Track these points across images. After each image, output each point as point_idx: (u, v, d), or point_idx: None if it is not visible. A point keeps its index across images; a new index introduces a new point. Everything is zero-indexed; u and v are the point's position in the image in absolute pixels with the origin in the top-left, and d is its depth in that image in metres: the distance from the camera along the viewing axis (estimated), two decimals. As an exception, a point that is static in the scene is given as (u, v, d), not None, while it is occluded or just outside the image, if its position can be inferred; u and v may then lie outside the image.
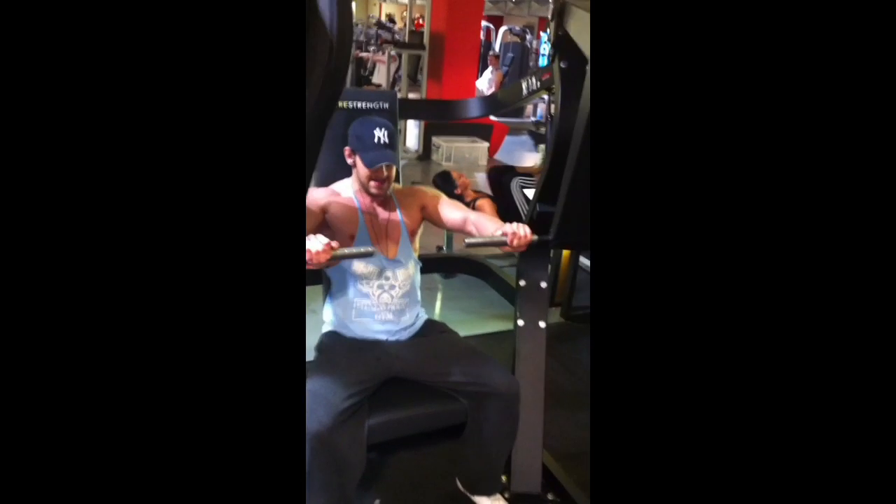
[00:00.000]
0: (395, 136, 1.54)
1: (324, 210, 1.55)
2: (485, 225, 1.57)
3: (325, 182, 1.70)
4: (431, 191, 1.74)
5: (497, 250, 1.61)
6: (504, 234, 1.44)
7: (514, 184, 3.10)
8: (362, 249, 1.40)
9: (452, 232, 3.17)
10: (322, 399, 1.33)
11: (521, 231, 1.44)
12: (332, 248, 1.28)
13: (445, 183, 3.14)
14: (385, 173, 1.54)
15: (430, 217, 1.69)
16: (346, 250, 1.36)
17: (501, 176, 3.22)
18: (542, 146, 3.75)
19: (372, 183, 1.54)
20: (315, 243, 1.27)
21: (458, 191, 3.10)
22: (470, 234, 1.61)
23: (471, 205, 3.12)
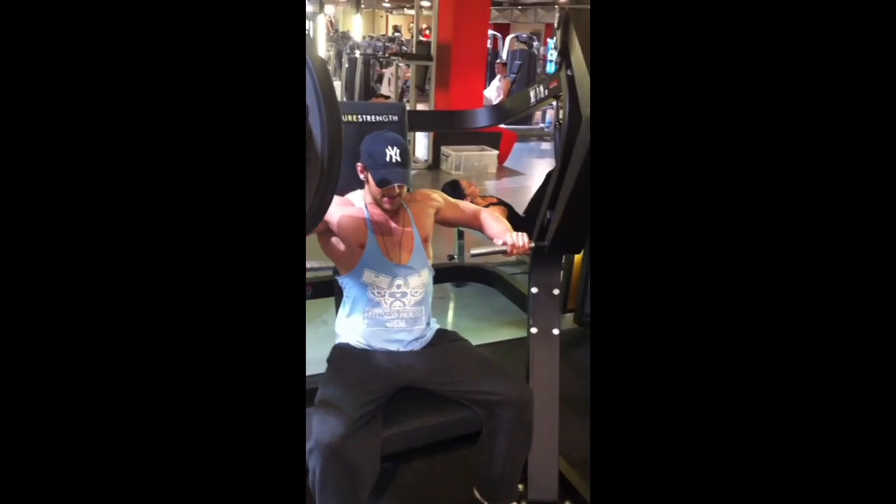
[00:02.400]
0: (408, 153, 1.57)
1: (324, 221, 1.56)
2: (492, 225, 1.70)
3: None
4: (440, 194, 1.77)
5: (508, 258, 1.66)
6: (504, 244, 1.58)
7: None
8: (324, 264, 1.52)
9: (463, 238, 3.18)
10: (334, 410, 1.34)
11: (519, 241, 1.57)
12: None
13: (454, 192, 3.15)
14: (397, 191, 1.55)
15: (443, 217, 1.72)
16: (313, 263, 1.44)
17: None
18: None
19: (385, 199, 1.56)
20: None
21: (467, 199, 3.12)
22: (480, 231, 1.75)
23: (481, 213, 3.12)
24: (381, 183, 1.52)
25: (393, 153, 1.52)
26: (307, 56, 0.81)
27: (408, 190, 1.66)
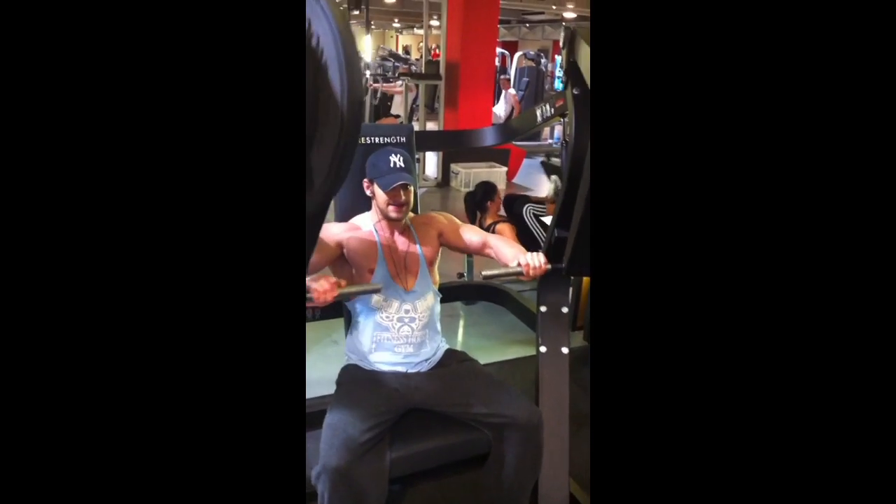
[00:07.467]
0: (411, 162, 1.58)
1: (339, 244, 1.56)
2: (504, 250, 1.64)
3: (344, 217, 1.72)
4: (447, 216, 1.75)
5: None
6: (519, 265, 1.53)
7: (526, 211, 3.21)
8: (369, 286, 1.47)
9: (472, 255, 3.18)
10: (341, 433, 1.33)
11: (535, 262, 1.52)
12: (338, 286, 1.32)
13: (486, 194, 3.35)
14: (403, 197, 1.55)
15: (448, 242, 1.70)
16: (353, 288, 1.41)
17: (512, 204, 3.35)
18: (554, 176, 3.85)
19: (391, 207, 1.55)
20: (321, 283, 1.33)
21: (497, 201, 3.32)
22: (489, 258, 1.70)
23: (490, 229, 3.13)
24: (385, 186, 1.52)
25: (396, 160, 1.54)
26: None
27: (414, 201, 1.65)
